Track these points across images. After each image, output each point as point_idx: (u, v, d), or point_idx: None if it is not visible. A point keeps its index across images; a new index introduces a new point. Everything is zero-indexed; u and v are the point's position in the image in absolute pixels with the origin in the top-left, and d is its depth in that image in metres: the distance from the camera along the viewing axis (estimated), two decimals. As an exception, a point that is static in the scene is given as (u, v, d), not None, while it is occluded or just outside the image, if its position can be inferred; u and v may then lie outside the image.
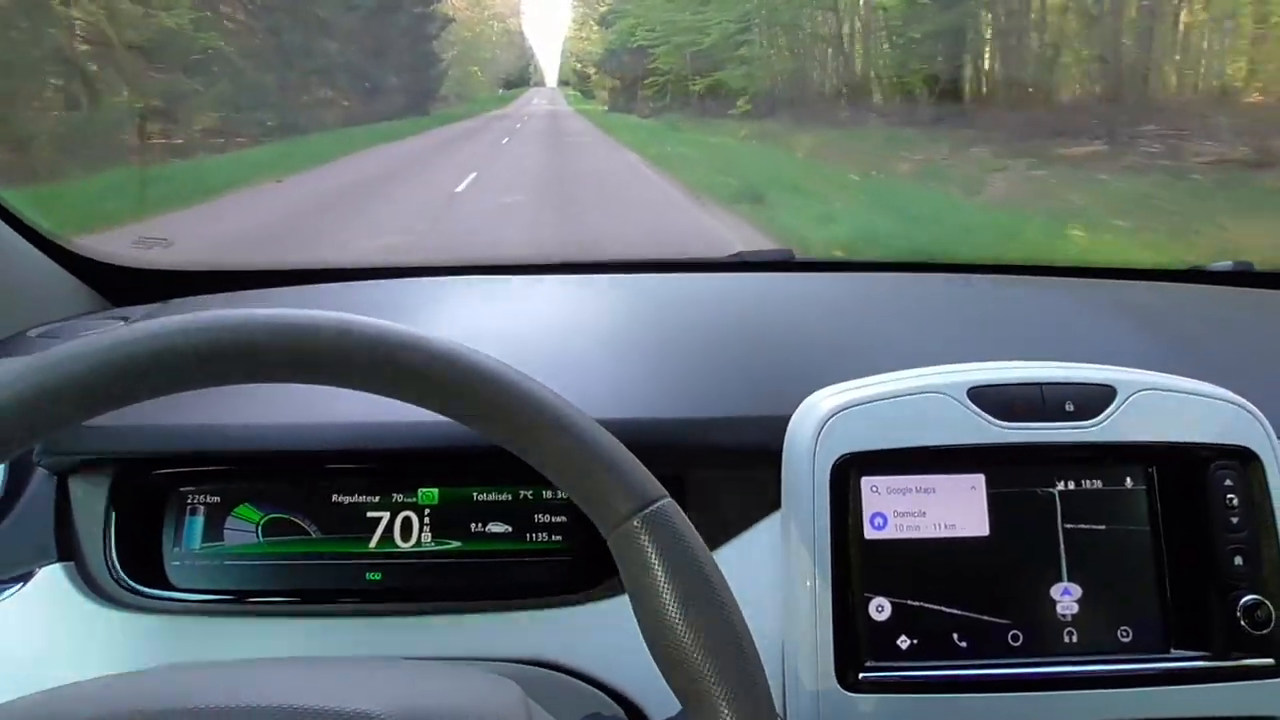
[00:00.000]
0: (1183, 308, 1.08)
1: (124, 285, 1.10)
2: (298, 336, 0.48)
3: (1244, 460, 0.69)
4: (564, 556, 0.76)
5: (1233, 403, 0.69)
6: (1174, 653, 0.68)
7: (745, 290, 1.13)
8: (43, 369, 0.46)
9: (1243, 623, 0.66)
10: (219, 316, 0.48)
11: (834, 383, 0.73)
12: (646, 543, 0.47)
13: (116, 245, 1.17)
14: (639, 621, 0.48)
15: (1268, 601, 0.66)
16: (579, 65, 42.76)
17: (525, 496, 0.77)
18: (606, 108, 32.26)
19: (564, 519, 0.76)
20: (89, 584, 0.73)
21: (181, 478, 0.77)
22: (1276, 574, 0.67)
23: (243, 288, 1.10)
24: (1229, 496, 0.68)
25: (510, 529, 0.76)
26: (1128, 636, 0.68)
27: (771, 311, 1.02)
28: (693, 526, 0.49)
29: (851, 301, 1.08)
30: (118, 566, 0.74)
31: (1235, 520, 0.68)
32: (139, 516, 0.76)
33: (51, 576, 0.73)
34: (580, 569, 0.74)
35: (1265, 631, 0.66)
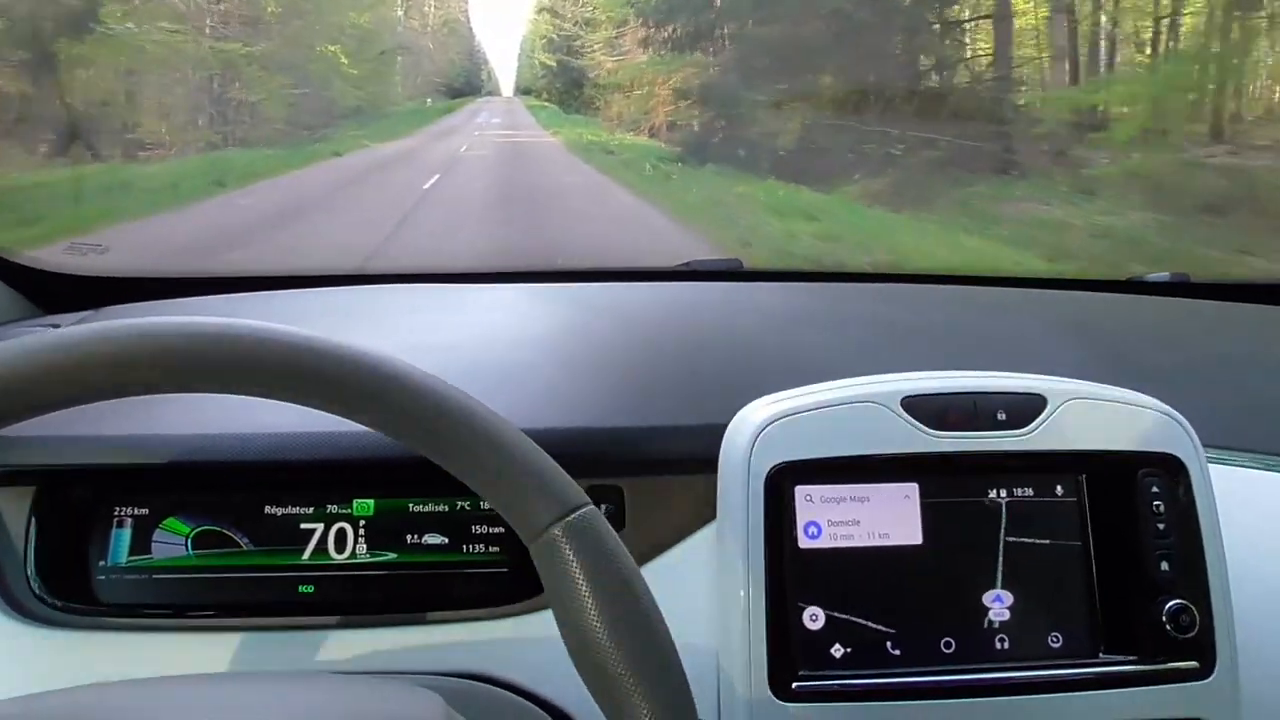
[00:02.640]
0: (1117, 318, 1.10)
1: (55, 292, 1.08)
2: (213, 345, 0.47)
3: (1170, 468, 0.70)
4: (501, 568, 0.75)
5: (1160, 411, 0.71)
6: (1103, 657, 0.69)
7: (693, 299, 1.13)
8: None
9: (1168, 627, 0.67)
10: (135, 325, 0.47)
11: (774, 392, 0.73)
12: (568, 551, 0.47)
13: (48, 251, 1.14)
14: (561, 631, 0.47)
15: (1193, 606, 0.67)
16: (552, 59, 30.59)
17: (462, 507, 0.76)
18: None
19: (501, 530, 0.76)
20: (10, 602, 0.71)
21: (107, 490, 0.75)
22: (1201, 579, 0.68)
23: (177, 294, 1.08)
24: (1156, 504, 0.69)
25: (447, 540, 0.75)
26: (1058, 642, 0.69)
27: (717, 320, 1.03)
28: (615, 534, 0.49)
29: (796, 311, 1.08)
30: (41, 583, 0.72)
31: (1162, 527, 0.69)
32: (63, 531, 0.74)
33: None
34: (517, 580, 0.74)
35: (1190, 635, 0.67)
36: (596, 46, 23.53)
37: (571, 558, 0.47)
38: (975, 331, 1.02)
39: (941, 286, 1.26)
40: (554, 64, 30.40)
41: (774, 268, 1.37)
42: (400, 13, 31.57)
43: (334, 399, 0.48)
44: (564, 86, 28.77)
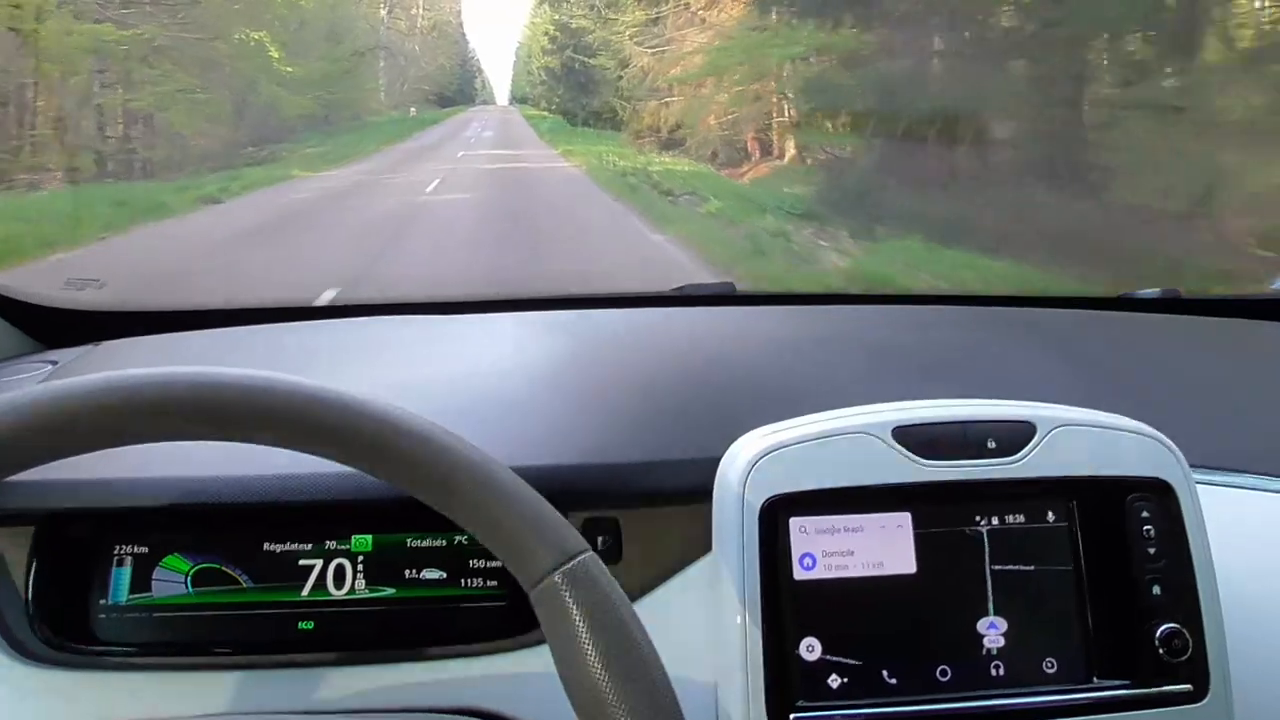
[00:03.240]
0: (1106, 337, 1.11)
1: (54, 327, 1.09)
2: (215, 394, 0.48)
3: (1160, 492, 0.71)
4: (499, 602, 0.76)
5: (1148, 436, 0.72)
6: (1097, 682, 0.69)
7: (686, 325, 1.14)
8: None
9: (1161, 651, 0.68)
10: (139, 376, 0.48)
11: (765, 421, 0.74)
12: (568, 598, 0.48)
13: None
14: (561, 676, 0.48)
15: (1185, 629, 0.68)
16: (554, 59, 25.08)
17: (460, 542, 0.76)
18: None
19: (499, 565, 0.76)
20: (10, 642, 0.71)
21: (107, 529, 0.75)
22: (1193, 602, 0.69)
23: (172, 329, 1.09)
24: (1146, 528, 0.70)
25: (445, 575, 0.76)
26: (1052, 668, 0.69)
27: (710, 347, 1.04)
28: (614, 580, 0.49)
29: (788, 335, 1.09)
30: (40, 621, 0.72)
31: (1152, 551, 0.70)
32: (63, 570, 0.74)
33: None
34: (516, 614, 0.74)
35: (1183, 659, 0.68)
36: (625, 32, 17.72)
37: (571, 605, 0.47)
38: (966, 353, 1.03)
39: (933, 307, 1.27)
40: (556, 65, 25.47)
41: (766, 290, 1.38)
42: (383, 12, 28.40)
43: (335, 448, 0.49)
44: (568, 93, 24.55)
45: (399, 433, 0.49)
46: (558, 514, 0.50)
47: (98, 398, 0.47)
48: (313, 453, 0.50)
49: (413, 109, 29.36)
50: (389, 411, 0.50)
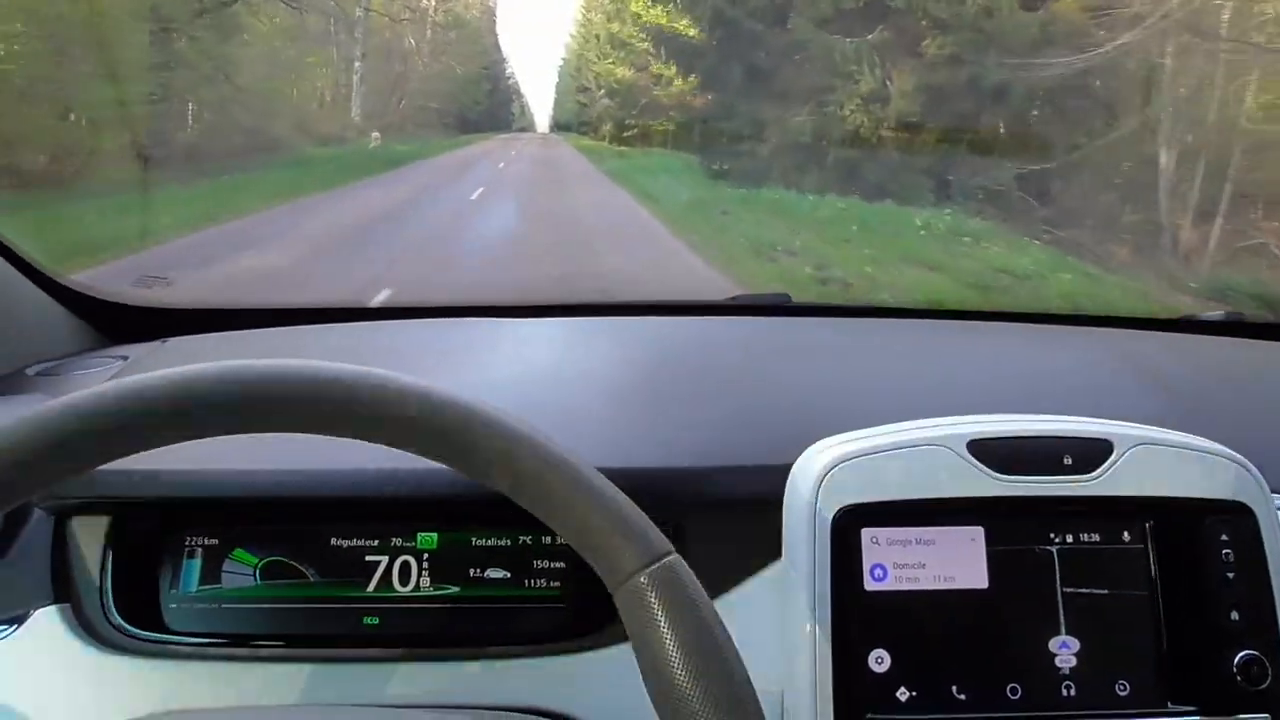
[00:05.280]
0: (1175, 358, 1.10)
1: (123, 323, 1.11)
2: (303, 389, 0.49)
3: (1239, 515, 0.69)
4: (561, 604, 0.76)
5: (1228, 458, 0.70)
6: (1170, 707, 0.68)
7: (743, 334, 1.14)
8: (50, 417, 0.47)
9: (1239, 678, 0.66)
10: (230, 368, 0.49)
11: (833, 431, 0.73)
12: (653, 600, 0.48)
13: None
14: (644, 677, 0.48)
15: (1264, 657, 0.66)
16: (626, 68, 19.83)
17: (524, 542, 0.77)
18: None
19: (562, 565, 0.76)
20: (85, 627, 0.73)
21: (179, 520, 0.77)
22: (1272, 630, 0.67)
23: (241, 327, 1.11)
24: (1225, 552, 0.68)
25: (509, 575, 0.76)
26: (1125, 690, 0.68)
27: (769, 356, 1.03)
28: (698, 583, 0.49)
29: (849, 347, 1.09)
30: (114, 609, 0.74)
31: (1231, 576, 0.68)
32: (136, 559, 0.76)
33: (47, 619, 0.73)
34: (578, 616, 0.74)
35: (1261, 687, 0.66)
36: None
37: (656, 605, 0.47)
38: (1030, 370, 1.01)
39: (995, 323, 1.25)
40: (625, 78, 19.78)
41: (821, 303, 1.37)
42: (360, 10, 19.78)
43: (427, 443, 0.49)
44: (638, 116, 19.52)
45: (489, 428, 0.50)
46: (644, 515, 0.50)
47: (217, 385, 0.48)
48: (402, 448, 0.51)
49: (375, 136, 18.34)
50: (480, 407, 0.50)
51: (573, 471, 0.49)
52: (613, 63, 21.71)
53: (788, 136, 13.43)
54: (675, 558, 0.49)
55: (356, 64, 20.79)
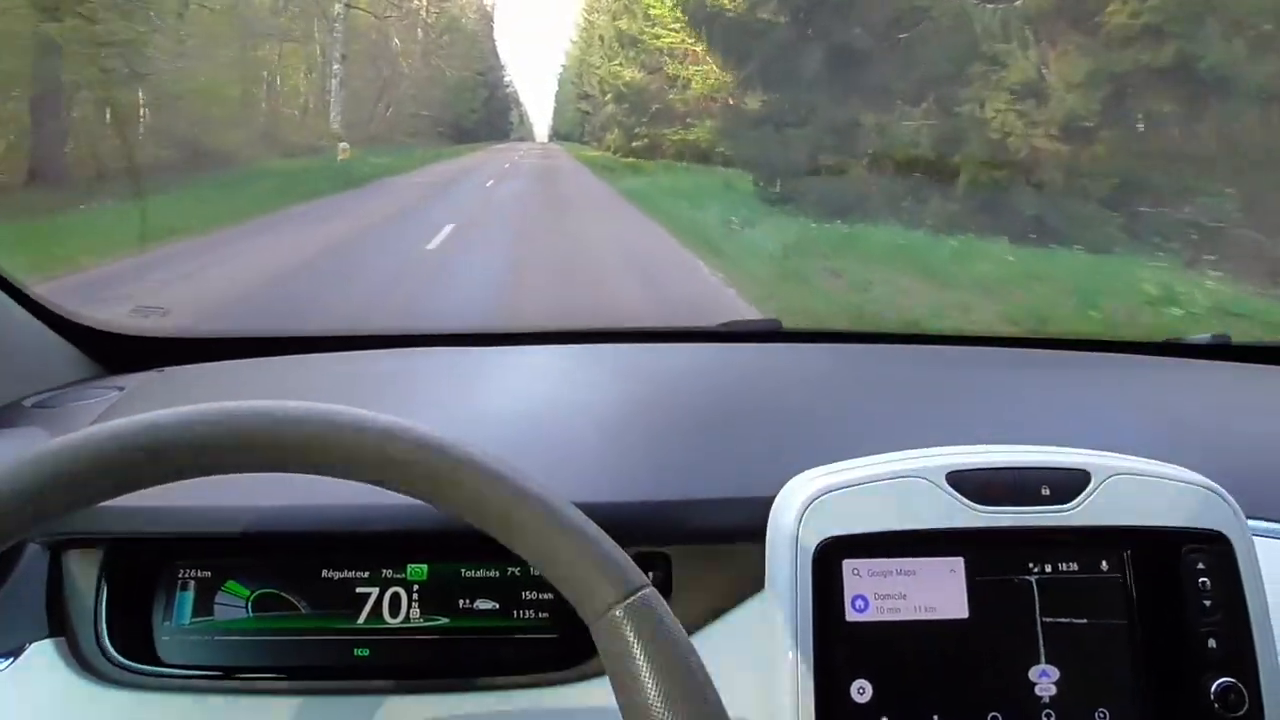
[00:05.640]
0: (1158, 381, 1.11)
1: (120, 353, 1.12)
2: (285, 430, 0.50)
3: (1216, 544, 0.70)
4: (551, 634, 0.77)
5: (1205, 487, 0.71)
6: None
7: (732, 362, 1.15)
8: (37, 464, 0.48)
9: (1217, 706, 0.67)
10: (217, 411, 0.50)
11: (816, 462, 0.74)
12: (629, 632, 0.49)
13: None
14: (621, 708, 0.49)
15: (1241, 685, 0.67)
16: (636, 71, 17.78)
17: (513, 573, 0.78)
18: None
19: (550, 596, 0.77)
20: (79, 660, 0.74)
21: (173, 553, 0.78)
22: (1249, 657, 0.68)
23: (235, 356, 1.12)
24: (1202, 580, 0.69)
25: (498, 606, 0.77)
26: (1105, 718, 0.69)
27: (757, 385, 1.04)
28: (673, 616, 0.50)
29: (837, 375, 1.10)
30: (108, 642, 0.74)
31: (1208, 604, 0.69)
32: (130, 592, 0.76)
33: (42, 652, 0.73)
34: (567, 647, 0.75)
35: (1239, 714, 0.67)
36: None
37: (632, 638, 0.48)
38: (1016, 395, 1.02)
39: (979, 348, 1.27)
40: (635, 81, 17.83)
41: (813, 328, 1.38)
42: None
43: (399, 481, 0.51)
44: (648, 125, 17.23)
45: (462, 466, 0.51)
46: (619, 548, 0.51)
47: (179, 431, 0.49)
48: (374, 483, 0.52)
49: (344, 147, 15.80)
50: (452, 445, 0.51)
51: (546, 506, 0.51)
52: (620, 64, 19.56)
53: (893, 147, 9.39)
54: (651, 590, 0.50)
55: (335, 66, 19.03)
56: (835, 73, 10.26)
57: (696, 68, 16.56)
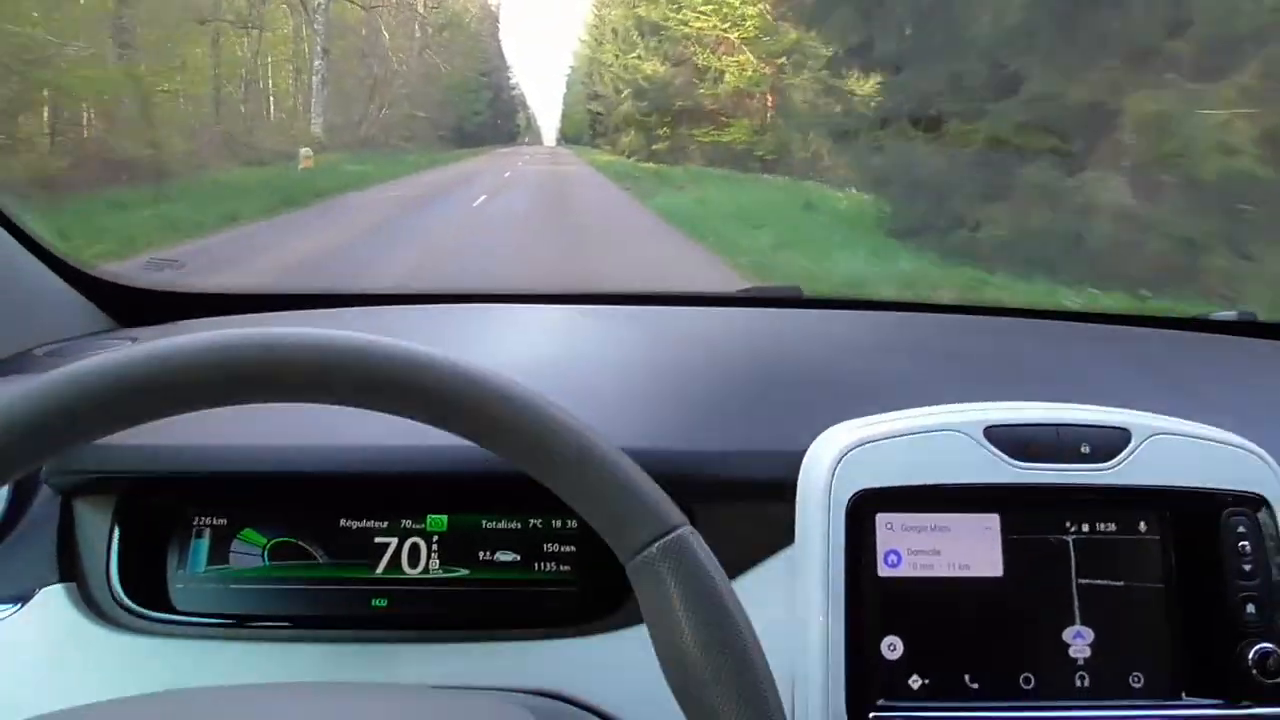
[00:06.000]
0: (1188, 355, 1.09)
1: (133, 306, 1.11)
2: (319, 357, 0.48)
3: (1257, 507, 0.69)
4: (572, 587, 0.75)
5: (1247, 449, 0.70)
6: (1185, 699, 0.67)
7: (755, 325, 1.13)
8: (48, 389, 0.46)
9: (1254, 672, 0.66)
10: (238, 335, 0.48)
11: (848, 416, 0.73)
12: (665, 572, 0.47)
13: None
14: (656, 650, 0.47)
15: (1279, 650, 0.66)
16: (659, 65, 15.80)
17: (534, 525, 0.76)
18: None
19: (572, 549, 0.76)
20: (90, 605, 0.72)
21: (187, 499, 0.76)
22: None
23: (250, 310, 1.11)
24: (1242, 544, 0.68)
25: (519, 558, 0.76)
26: (1139, 682, 0.67)
27: (782, 346, 1.03)
28: (712, 555, 0.49)
29: (862, 339, 1.08)
30: (120, 588, 0.73)
31: (1248, 568, 0.67)
32: (143, 538, 0.75)
33: (53, 597, 0.72)
34: (588, 600, 0.74)
35: (1277, 681, 0.66)
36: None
37: (668, 578, 0.47)
38: (1043, 364, 1.01)
39: (1003, 319, 1.25)
40: (657, 74, 15.51)
41: (833, 296, 1.37)
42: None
43: (440, 413, 0.49)
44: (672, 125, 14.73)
45: (502, 398, 0.49)
46: (657, 487, 0.50)
47: (208, 355, 0.47)
48: (413, 417, 0.50)
49: (305, 154, 13.32)
50: (492, 377, 0.50)
51: (586, 442, 0.49)
52: (639, 56, 17.37)
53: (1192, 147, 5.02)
54: (689, 529, 0.48)
55: (317, 62, 16.29)
56: (1048, 28, 5.92)
57: (731, 58, 14.57)
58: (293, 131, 15.60)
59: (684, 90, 15.67)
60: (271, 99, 17.04)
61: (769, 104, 14.31)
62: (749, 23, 14.60)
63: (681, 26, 15.40)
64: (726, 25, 14.34)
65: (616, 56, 19.24)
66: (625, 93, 18.71)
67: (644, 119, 17.40)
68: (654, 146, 16.85)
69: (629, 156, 17.71)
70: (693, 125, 15.44)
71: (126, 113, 10.84)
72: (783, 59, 13.72)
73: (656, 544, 0.48)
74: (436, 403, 0.49)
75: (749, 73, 14.38)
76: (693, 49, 15.32)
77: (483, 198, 12.16)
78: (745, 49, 14.17)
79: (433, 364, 0.49)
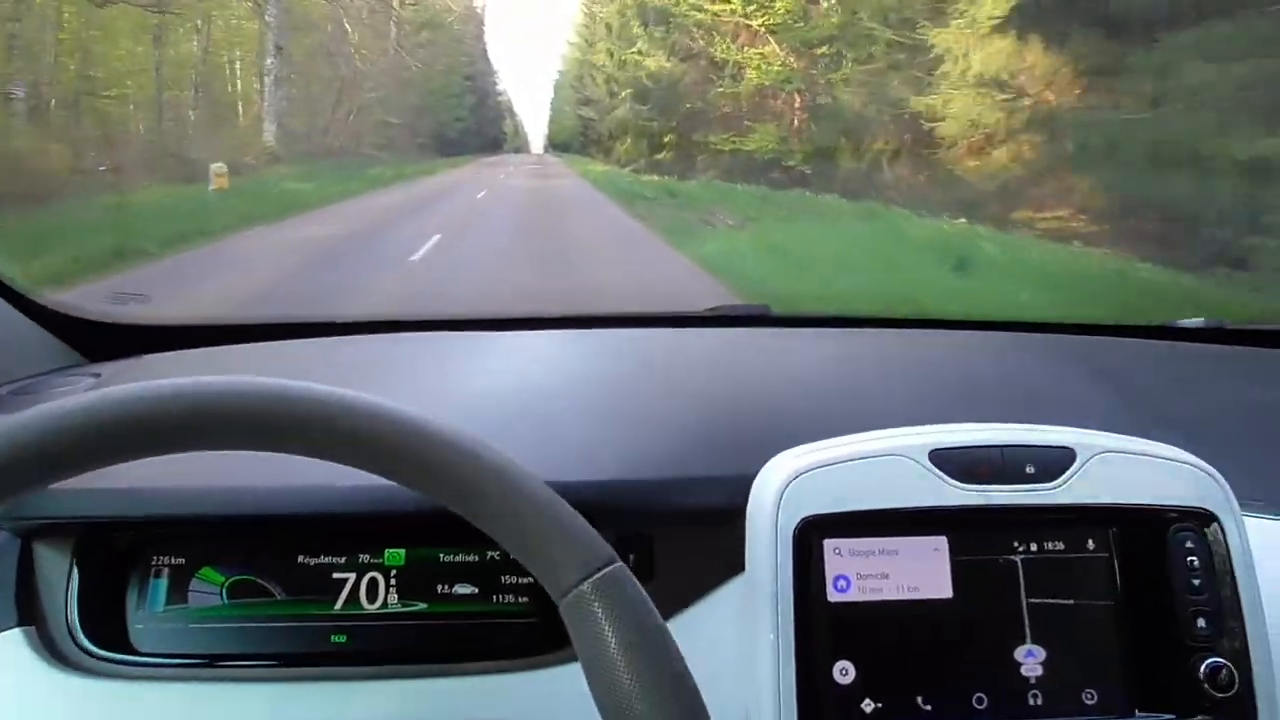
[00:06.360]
0: (1150, 365, 1.10)
1: (98, 340, 1.11)
2: (242, 404, 0.49)
3: (1204, 522, 0.69)
4: (530, 619, 0.76)
5: (1192, 465, 0.70)
6: (1139, 715, 0.68)
7: (720, 346, 1.14)
8: (7, 432, 0.46)
9: (1206, 685, 0.66)
10: (191, 384, 0.49)
11: (798, 441, 0.73)
12: (597, 609, 0.47)
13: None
14: (591, 689, 0.48)
15: (1230, 664, 0.66)
16: (664, 58, 13.21)
17: (492, 558, 0.77)
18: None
19: (530, 581, 0.76)
20: (50, 649, 0.72)
21: (145, 540, 0.76)
22: (1239, 637, 0.67)
23: (213, 343, 1.11)
24: (1190, 559, 0.68)
25: (477, 590, 0.76)
26: (1092, 699, 0.68)
27: (744, 368, 1.03)
28: (642, 590, 0.49)
29: (824, 358, 1.09)
30: (80, 631, 0.73)
31: (1197, 583, 0.68)
32: (103, 579, 0.75)
33: (11, 641, 0.72)
34: (547, 631, 0.74)
35: (1230, 694, 0.66)
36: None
37: (600, 615, 0.47)
38: (1004, 379, 1.01)
39: (969, 332, 1.25)
40: (663, 71, 13.46)
41: (801, 313, 1.37)
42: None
43: (362, 456, 0.49)
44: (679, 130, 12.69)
45: (424, 439, 0.49)
46: (586, 524, 0.50)
47: (136, 406, 0.48)
48: (340, 461, 0.50)
49: (217, 170, 10.75)
50: (413, 418, 0.50)
51: (512, 480, 0.49)
52: (640, 51, 14.50)
53: None
54: (619, 566, 0.49)
55: (269, 60, 14.12)
56: None
57: (755, 50, 12.05)
58: (242, 141, 13.56)
59: (695, 90, 13.12)
60: (240, 105, 15.07)
61: (797, 105, 11.94)
62: (777, 5, 12.01)
63: (694, 13, 12.89)
64: (751, 7, 11.96)
65: (611, 55, 17.16)
66: (622, 94, 16.23)
67: (645, 124, 14.62)
68: (656, 156, 14.11)
69: (623, 167, 15.20)
70: (706, 130, 12.71)
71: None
72: (822, 48, 11.21)
73: (587, 581, 0.48)
74: (360, 447, 0.49)
75: (775, 68, 11.96)
76: (706, 40, 12.72)
77: (435, 239, 8.50)
78: (771, 38, 11.80)
79: (352, 407, 0.50)
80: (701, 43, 12.68)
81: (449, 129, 24.17)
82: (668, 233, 8.99)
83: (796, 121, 11.55)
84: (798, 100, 11.49)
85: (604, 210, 11.17)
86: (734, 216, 9.48)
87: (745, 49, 12.27)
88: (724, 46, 12.29)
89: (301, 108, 15.70)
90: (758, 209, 9.87)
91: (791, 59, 11.54)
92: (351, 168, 14.58)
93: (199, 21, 13.46)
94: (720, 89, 12.44)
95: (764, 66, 12.20)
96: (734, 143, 12.27)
